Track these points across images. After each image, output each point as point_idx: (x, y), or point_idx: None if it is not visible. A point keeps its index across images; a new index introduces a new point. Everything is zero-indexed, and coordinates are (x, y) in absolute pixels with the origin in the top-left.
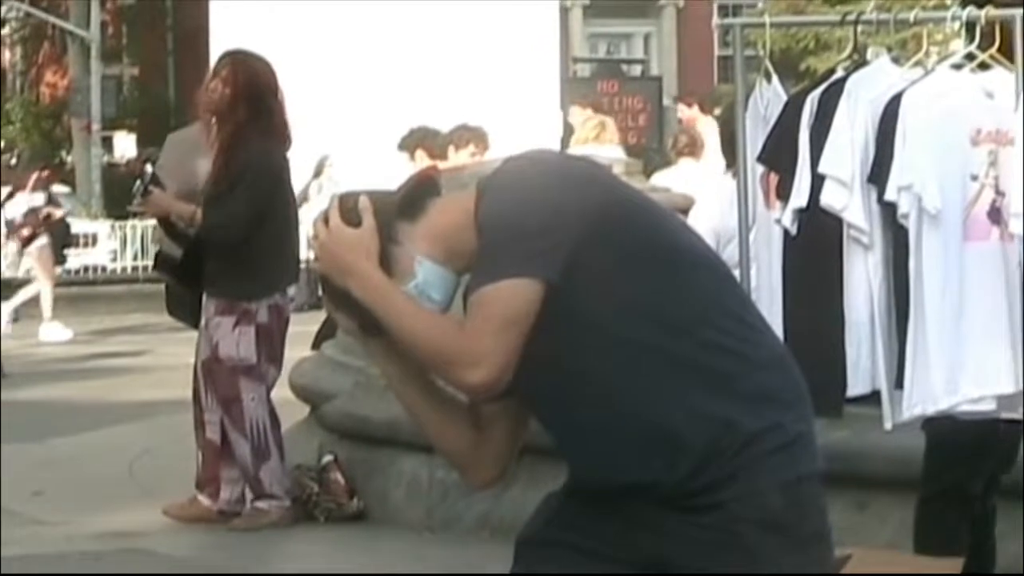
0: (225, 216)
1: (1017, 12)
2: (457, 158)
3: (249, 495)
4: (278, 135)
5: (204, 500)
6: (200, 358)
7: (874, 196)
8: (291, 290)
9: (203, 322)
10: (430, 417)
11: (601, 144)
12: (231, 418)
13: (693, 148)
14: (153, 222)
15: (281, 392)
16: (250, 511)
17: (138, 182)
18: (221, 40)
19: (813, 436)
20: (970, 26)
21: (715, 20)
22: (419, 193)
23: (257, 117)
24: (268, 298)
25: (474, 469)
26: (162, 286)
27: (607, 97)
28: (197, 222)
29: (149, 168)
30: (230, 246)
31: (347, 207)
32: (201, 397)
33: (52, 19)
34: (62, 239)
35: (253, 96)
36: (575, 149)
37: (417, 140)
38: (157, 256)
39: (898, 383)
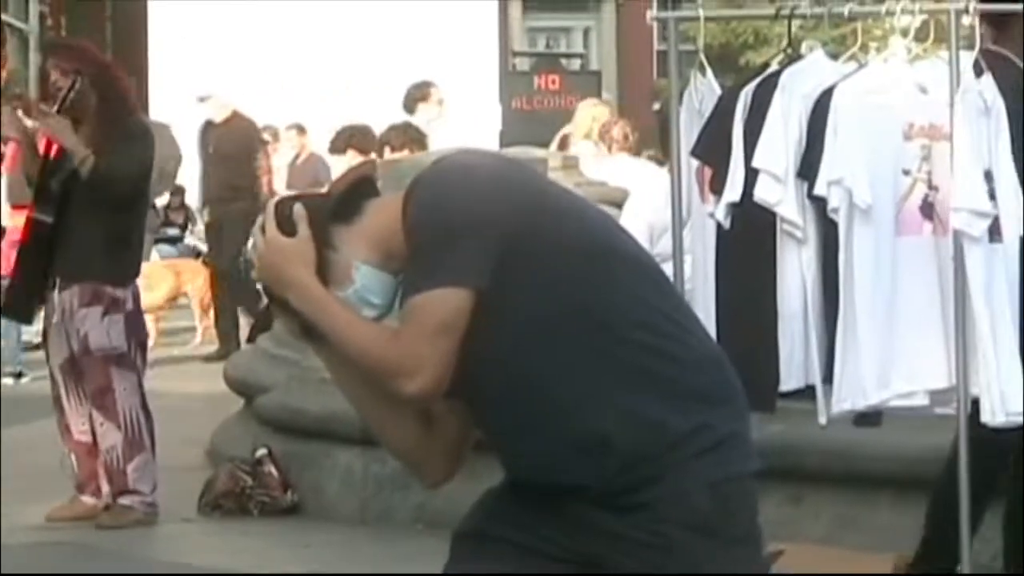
0: (121, 161)
1: (951, 7)
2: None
3: (107, 489)
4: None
5: (88, 499)
6: (57, 360)
7: (806, 190)
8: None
9: (56, 319)
10: (379, 417)
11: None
12: (103, 410)
13: (626, 144)
14: None
15: (216, 384)
16: (117, 507)
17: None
18: (160, 33)
19: (747, 436)
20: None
21: (651, 14)
22: (354, 195)
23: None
24: (132, 285)
25: (425, 467)
26: None
27: (547, 93)
28: (88, 165)
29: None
30: (118, 199)
31: (283, 215)
32: (63, 400)
33: None
34: None
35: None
36: (577, 140)
37: (346, 139)
38: (31, 222)
39: (828, 378)
